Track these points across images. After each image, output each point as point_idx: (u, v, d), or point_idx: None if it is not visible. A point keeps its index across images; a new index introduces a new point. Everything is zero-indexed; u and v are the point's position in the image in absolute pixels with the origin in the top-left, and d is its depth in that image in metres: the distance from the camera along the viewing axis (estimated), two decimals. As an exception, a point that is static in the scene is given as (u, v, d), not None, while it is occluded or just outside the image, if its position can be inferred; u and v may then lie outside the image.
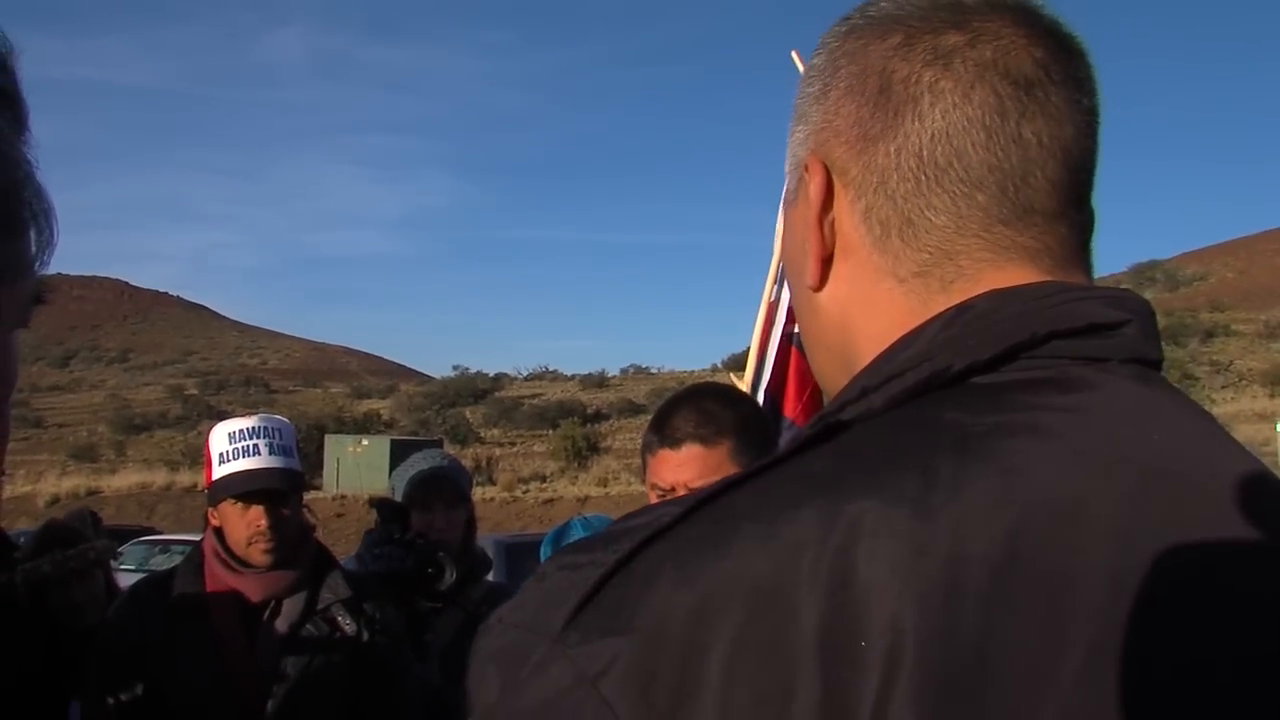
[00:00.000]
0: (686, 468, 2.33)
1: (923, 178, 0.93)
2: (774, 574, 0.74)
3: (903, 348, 0.90)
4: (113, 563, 4.76)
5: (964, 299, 0.91)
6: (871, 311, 0.96)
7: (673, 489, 2.33)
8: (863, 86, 0.96)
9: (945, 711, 0.71)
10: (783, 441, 2.85)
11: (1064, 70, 0.94)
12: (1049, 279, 0.92)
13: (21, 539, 4.47)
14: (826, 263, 0.99)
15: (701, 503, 0.80)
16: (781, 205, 1.11)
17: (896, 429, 0.85)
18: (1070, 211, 0.95)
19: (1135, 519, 0.79)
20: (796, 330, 3.47)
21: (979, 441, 0.81)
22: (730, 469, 2.30)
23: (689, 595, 0.75)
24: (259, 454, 3.31)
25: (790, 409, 3.67)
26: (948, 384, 0.87)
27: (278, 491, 3.33)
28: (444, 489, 3.97)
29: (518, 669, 0.78)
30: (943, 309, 0.91)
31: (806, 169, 0.99)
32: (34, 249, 0.85)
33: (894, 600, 0.73)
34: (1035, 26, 0.95)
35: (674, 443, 2.35)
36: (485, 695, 0.80)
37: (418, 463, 4.09)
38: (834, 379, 1.01)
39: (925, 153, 0.93)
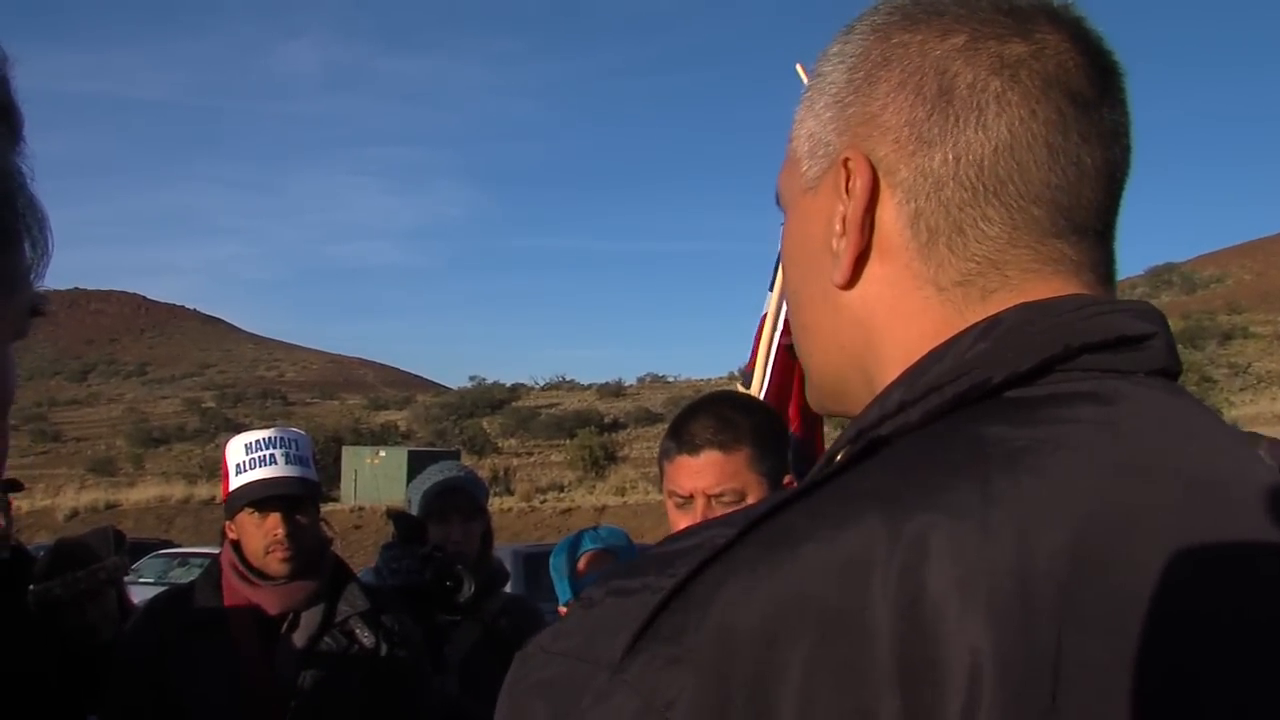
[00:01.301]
0: (705, 474, 2.32)
1: (980, 188, 0.91)
2: (842, 595, 0.73)
3: (934, 361, 0.88)
4: (130, 576, 4.76)
5: (998, 310, 0.89)
6: (903, 318, 0.94)
7: (691, 496, 2.33)
8: (919, 85, 0.93)
9: None
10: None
11: (1113, 92, 0.94)
12: (1082, 292, 0.91)
13: (40, 553, 4.48)
14: (860, 262, 0.95)
15: (755, 523, 0.78)
16: (787, 187, 1.05)
17: (941, 444, 0.83)
18: (1108, 233, 0.95)
19: (1186, 531, 0.78)
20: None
21: (1027, 456, 0.79)
22: (748, 476, 2.32)
23: (754, 619, 0.73)
24: (275, 463, 3.31)
25: (793, 423, 3.65)
26: (983, 397, 0.85)
27: (294, 499, 3.33)
28: (460, 501, 3.96)
29: (573, 701, 0.75)
30: (977, 319, 0.89)
31: (847, 162, 0.95)
32: (29, 260, 0.85)
33: (968, 620, 0.72)
34: (1088, 44, 0.94)
35: (693, 449, 2.34)
36: None
37: (433, 475, 4.07)
38: (838, 376, 1.01)
39: (987, 164, 0.91)
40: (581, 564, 3.27)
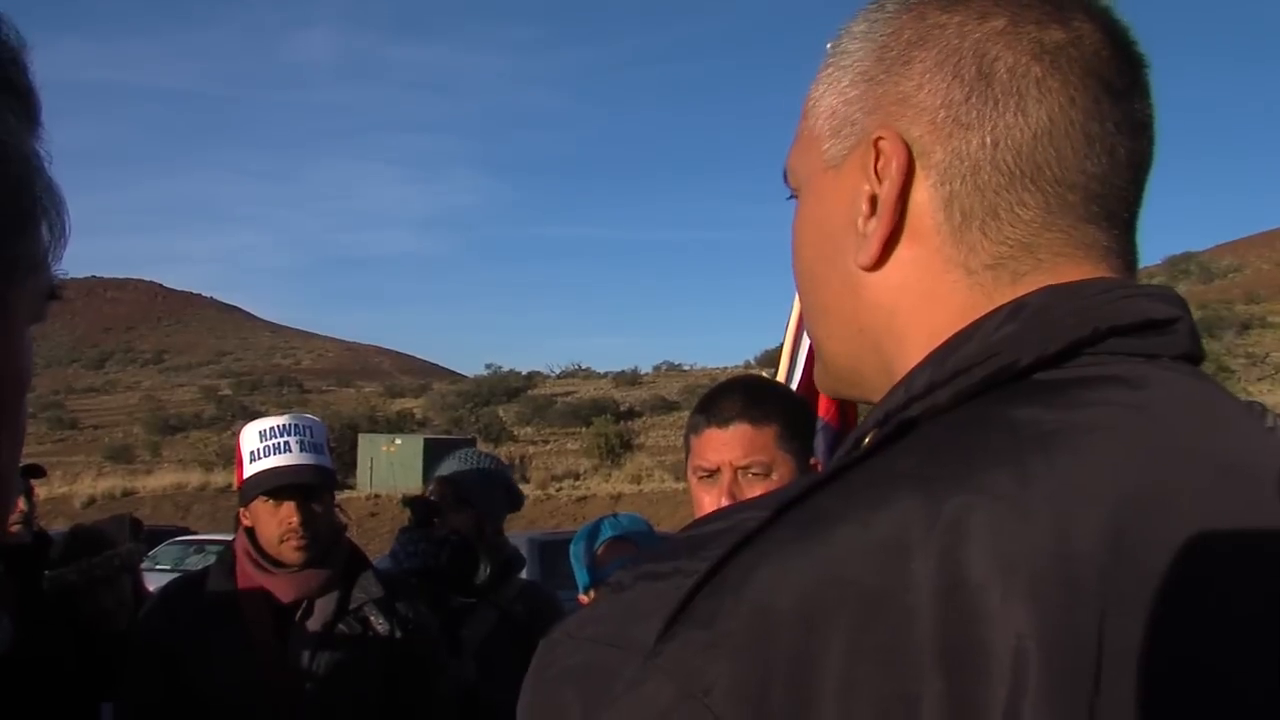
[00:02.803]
0: (733, 446, 2.34)
1: (1018, 173, 0.90)
2: (880, 577, 0.72)
3: (961, 342, 0.87)
4: (146, 563, 4.77)
5: (1024, 293, 0.88)
6: (929, 301, 0.93)
7: (717, 468, 2.34)
8: (958, 67, 0.91)
9: (1073, 715, 0.70)
10: (817, 444, 2.83)
11: (1140, 83, 0.94)
12: (1106, 276, 0.90)
13: (56, 536, 4.49)
14: (889, 243, 0.94)
15: (787, 505, 0.77)
16: (802, 165, 1.03)
17: (972, 426, 0.82)
18: (1134, 222, 0.95)
19: (1220, 514, 0.78)
20: None
21: (1059, 438, 0.79)
22: (775, 452, 2.34)
23: (791, 602, 0.72)
24: (290, 451, 3.30)
25: (825, 410, 3.63)
26: (1011, 380, 0.85)
27: (309, 487, 3.32)
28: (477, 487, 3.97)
29: (605, 687, 0.74)
30: (1005, 302, 0.88)
31: (879, 142, 0.93)
32: (46, 243, 0.84)
33: (1011, 603, 0.71)
34: (1120, 35, 0.94)
35: (723, 421, 2.36)
36: (564, 717, 0.75)
37: (453, 463, 4.12)
38: (854, 359, 1.00)
39: (1026, 149, 0.90)
40: (601, 551, 3.26)
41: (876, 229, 0.93)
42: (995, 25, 0.92)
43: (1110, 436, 0.80)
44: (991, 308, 0.88)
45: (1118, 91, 0.92)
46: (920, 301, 0.93)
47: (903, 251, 0.94)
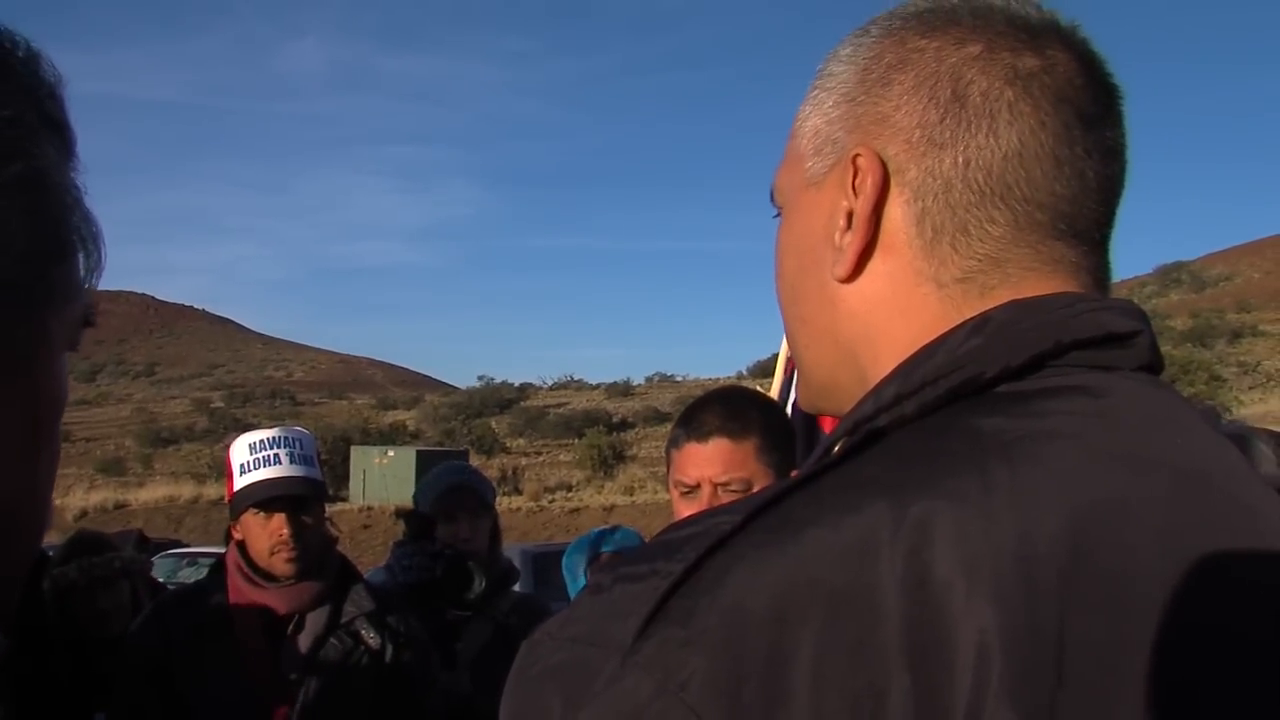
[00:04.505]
0: (713, 462, 2.34)
1: (988, 192, 0.93)
2: (849, 577, 0.74)
3: (927, 356, 0.90)
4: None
5: (990, 307, 0.91)
6: (901, 313, 0.96)
7: (697, 484, 2.34)
8: (934, 89, 0.95)
9: (1036, 708, 0.72)
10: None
11: (1114, 112, 0.97)
12: (1069, 291, 0.93)
13: (51, 552, 4.51)
14: (864, 256, 0.97)
15: (758, 510, 0.80)
16: (787, 183, 1.07)
17: (938, 435, 0.85)
18: (1104, 243, 0.98)
19: (1175, 519, 0.81)
20: None
21: (1023, 446, 0.82)
22: (755, 466, 2.34)
23: (764, 601, 0.74)
24: (280, 463, 3.30)
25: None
26: (976, 391, 0.88)
27: (299, 498, 3.32)
28: (467, 499, 3.98)
29: (585, 685, 0.76)
30: (972, 315, 0.91)
31: (857, 159, 0.97)
32: (82, 272, 0.87)
33: (975, 601, 0.74)
34: (1095, 65, 0.97)
35: (702, 436, 2.36)
36: (546, 714, 0.78)
37: (439, 475, 4.12)
38: (831, 370, 1.04)
39: (996, 170, 0.93)
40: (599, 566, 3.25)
41: (852, 242, 0.97)
42: (971, 51, 0.95)
43: (1071, 444, 0.83)
44: (960, 320, 0.92)
45: (1090, 118, 0.95)
46: (893, 313, 0.96)
47: (877, 265, 0.97)
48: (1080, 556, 0.77)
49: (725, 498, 2.29)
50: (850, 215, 0.97)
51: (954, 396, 0.87)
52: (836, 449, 0.89)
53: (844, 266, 0.97)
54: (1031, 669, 0.73)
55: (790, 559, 0.76)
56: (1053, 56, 0.95)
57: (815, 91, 1.04)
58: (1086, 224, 0.95)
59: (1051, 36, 0.96)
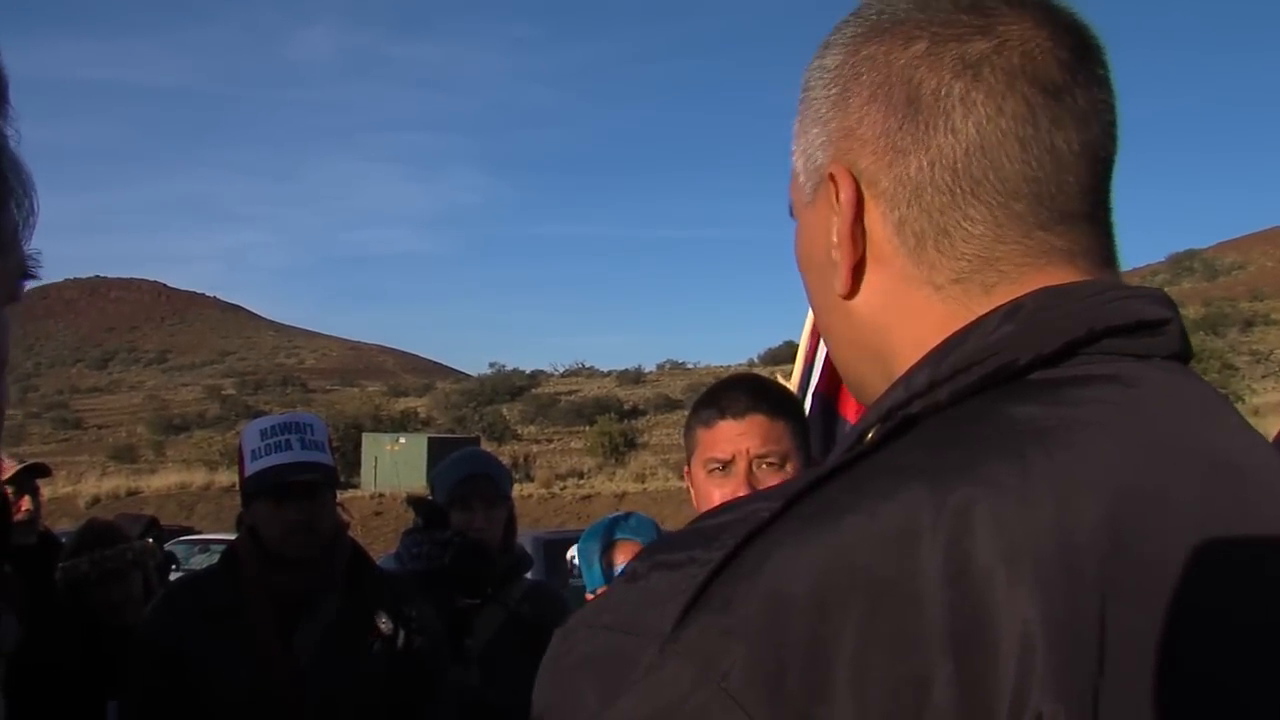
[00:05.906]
0: (750, 435, 2.33)
1: (958, 190, 0.92)
2: (890, 565, 0.74)
3: (959, 342, 0.89)
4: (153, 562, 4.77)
5: (1010, 299, 0.91)
6: (909, 316, 0.96)
7: (732, 459, 2.33)
8: (888, 96, 0.95)
9: (1079, 697, 0.72)
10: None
11: (1087, 70, 0.95)
12: (1092, 278, 0.93)
13: (64, 539, 4.51)
14: (858, 270, 0.97)
15: (796, 496, 0.79)
16: (794, 201, 1.08)
17: (973, 422, 0.85)
18: (1099, 213, 0.96)
19: (1210, 508, 0.81)
20: None
21: (1058, 435, 0.81)
22: (789, 444, 2.35)
23: (804, 588, 0.74)
24: (291, 449, 3.28)
25: (846, 409, 3.64)
26: (1008, 379, 0.87)
27: (311, 484, 3.30)
28: (484, 488, 3.96)
29: (623, 674, 0.76)
30: (984, 311, 0.91)
31: (833, 178, 0.97)
32: (16, 222, 0.85)
33: (1016, 589, 0.73)
34: (1057, 25, 0.94)
35: (738, 413, 2.35)
36: (581, 704, 0.77)
37: (456, 462, 4.08)
38: (867, 375, 1.02)
39: (960, 166, 0.92)
40: (617, 555, 3.22)
41: (841, 259, 0.97)
42: (917, 50, 0.94)
43: (1105, 432, 0.82)
44: (972, 316, 0.91)
45: (1056, 87, 0.92)
46: (900, 319, 0.96)
47: (871, 277, 0.97)
48: (1120, 546, 0.76)
49: (761, 473, 2.30)
50: (838, 233, 0.97)
51: (987, 383, 0.87)
52: (870, 436, 0.88)
53: (841, 283, 0.98)
54: (1074, 658, 0.73)
55: (830, 546, 0.75)
56: (1004, 33, 0.93)
57: (800, 109, 1.04)
58: (1069, 201, 0.93)
59: (1001, 9, 0.94)
